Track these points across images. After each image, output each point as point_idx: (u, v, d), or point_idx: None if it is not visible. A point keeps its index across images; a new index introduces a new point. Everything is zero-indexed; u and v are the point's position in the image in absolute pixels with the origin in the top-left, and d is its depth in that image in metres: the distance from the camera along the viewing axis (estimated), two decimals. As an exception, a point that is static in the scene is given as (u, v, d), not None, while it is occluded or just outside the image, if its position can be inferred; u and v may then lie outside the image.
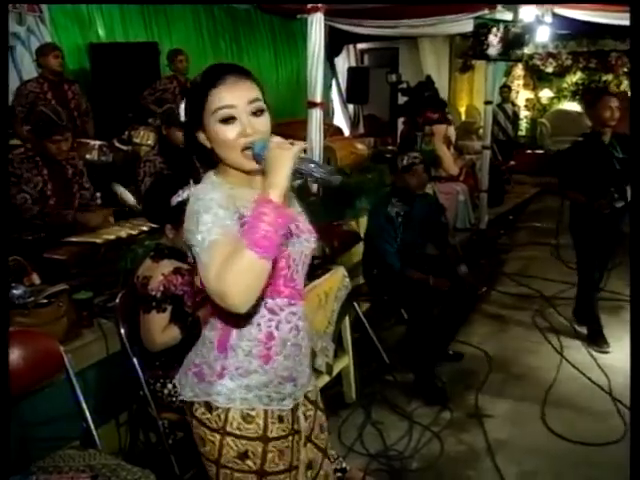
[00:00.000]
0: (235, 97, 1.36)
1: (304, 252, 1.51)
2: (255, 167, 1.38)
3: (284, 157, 1.27)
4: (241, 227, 1.32)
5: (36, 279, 2.54)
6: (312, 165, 1.32)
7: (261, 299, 1.41)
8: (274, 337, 1.46)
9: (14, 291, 2.38)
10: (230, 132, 1.37)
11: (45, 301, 2.42)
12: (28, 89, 4.69)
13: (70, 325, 2.51)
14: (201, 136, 1.43)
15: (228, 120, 1.37)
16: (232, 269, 1.21)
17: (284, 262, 1.44)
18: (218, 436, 1.46)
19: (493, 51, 5.83)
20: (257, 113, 1.39)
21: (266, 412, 1.48)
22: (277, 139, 1.34)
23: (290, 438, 1.53)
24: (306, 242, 1.52)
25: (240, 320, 1.43)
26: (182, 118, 1.49)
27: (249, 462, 1.47)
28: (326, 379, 2.96)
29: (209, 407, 1.47)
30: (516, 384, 3.55)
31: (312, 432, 1.64)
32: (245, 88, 1.39)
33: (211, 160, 1.47)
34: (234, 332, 1.46)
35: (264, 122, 1.40)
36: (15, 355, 2.09)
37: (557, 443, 2.96)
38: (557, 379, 3.56)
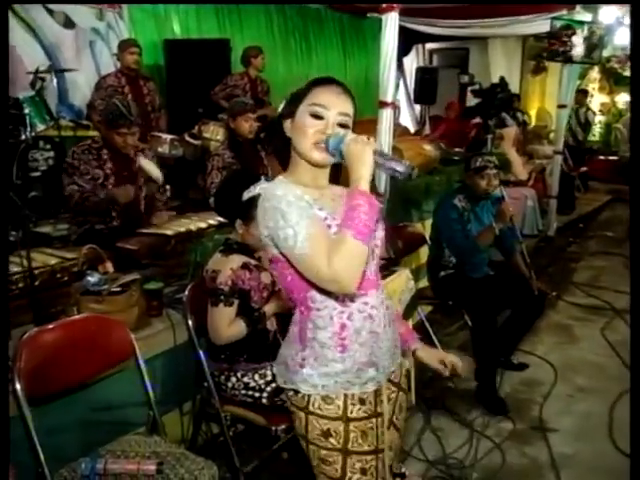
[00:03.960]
0: (332, 102, 1.51)
1: (374, 243, 1.57)
2: (324, 159, 1.50)
3: (366, 151, 1.41)
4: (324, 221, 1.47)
5: (110, 268, 2.61)
6: (390, 159, 1.43)
7: (332, 294, 1.49)
8: (347, 327, 1.53)
9: (89, 278, 2.46)
10: (313, 125, 1.50)
11: (118, 289, 2.50)
12: (107, 83, 4.85)
13: (140, 314, 2.58)
14: (287, 124, 1.56)
15: (317, 116, 1.50)
16: (343, 257, 1.36)
17: None
18: (303, 414, 1.58)
19: (577, 53, 5.63)
20: (342, 126, 1.52)
21: (346, 395, 1.56)
22: (352, 135, 1.47)
23: (374, 420, 1.60)
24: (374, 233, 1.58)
25: (314, 312, 1.53)
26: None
27: (332, 440, 1.56)
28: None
29: (296, 391, 1.59)
30: (582, 398, 3.43)
31: (393, 413, 1.70)
32: (343, 100, 1.54)
33: (284, 153, 1.59)
34: (310, 325, 1.54)
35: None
36: (88, 340, 2.15)
37: (624, 462, 2.83)
38: (625, 395, 3.42)
